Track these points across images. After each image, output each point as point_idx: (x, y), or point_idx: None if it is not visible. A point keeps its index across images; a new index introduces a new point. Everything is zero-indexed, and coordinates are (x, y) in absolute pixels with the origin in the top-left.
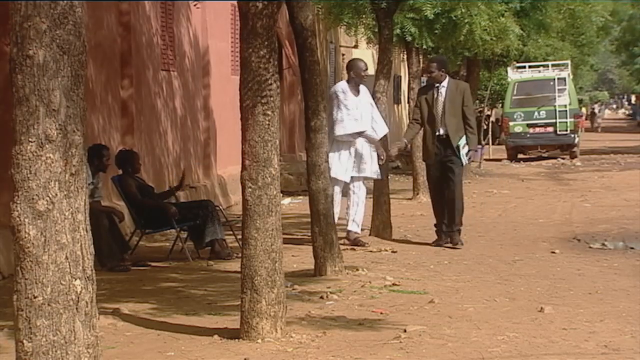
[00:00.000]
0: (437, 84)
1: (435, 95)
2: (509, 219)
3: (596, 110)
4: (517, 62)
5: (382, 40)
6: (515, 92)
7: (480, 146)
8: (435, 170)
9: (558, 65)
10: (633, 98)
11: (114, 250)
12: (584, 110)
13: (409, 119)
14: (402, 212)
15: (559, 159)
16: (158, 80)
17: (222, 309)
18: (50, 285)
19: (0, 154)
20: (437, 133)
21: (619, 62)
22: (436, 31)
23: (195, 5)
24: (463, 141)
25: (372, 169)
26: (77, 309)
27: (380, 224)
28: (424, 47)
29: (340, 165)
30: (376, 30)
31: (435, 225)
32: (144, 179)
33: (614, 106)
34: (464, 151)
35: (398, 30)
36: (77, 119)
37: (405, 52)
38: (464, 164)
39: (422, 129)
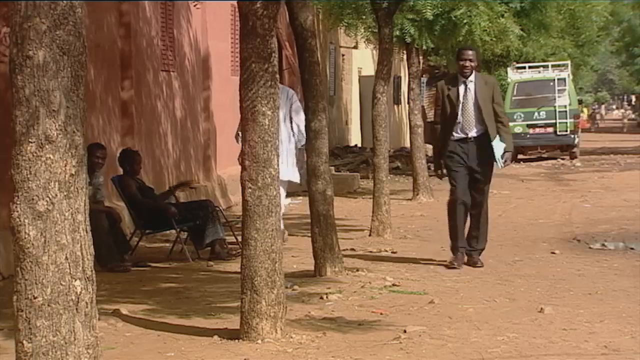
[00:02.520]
0: (464, 78)
1: (463, 92)
2: (508, 220)
3: (602, 112)
4: (517, 63)
5: (382, 40)
6: (515, 93)
7: None
8: (462, 178)
9: (558, 65)
10: (633, 98)
11: (113, 251)
12: (585, 111)
13: (426, 120)
14: (402, 213)
15: (558, 160)
16: (158, 81)
17: (222, 310)
18: (50, 286)
19: (0, 155)
20: (467, 135)
21: (619, 63)
22: (436, 32)
23: (195, 5)
24: (498, 142)
25: (290, 173)
26: (77, 309)
27: (380, 225)
28: (424, 47)
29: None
30: (376, 30)
31: (452, 244)
32: (144, 180)
33: (614, 107)
34: (498, 154)
35: (398, 32)
36: (77, 120)
37: (405, 52)
38: (501, 166)
39: (444, 130)
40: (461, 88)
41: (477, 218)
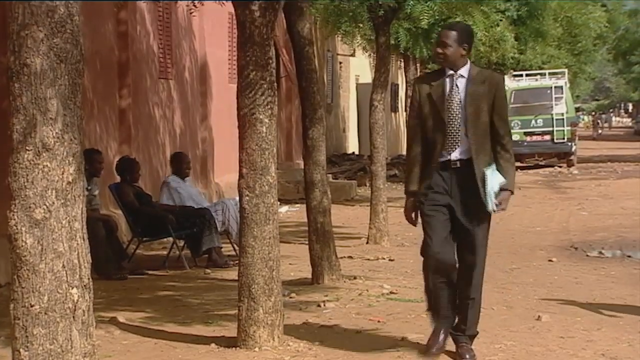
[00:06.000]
0: (452, 71)
1: (448, 89)
2: (506, 227)
3: (609, 119)
4: (514, 71)
5: (379, 48)
6: (512, 101)
7: None
8: (441, 228)
9: (555, 73)
10: (630, 106)
11: (111, 259)
12: (585, 118)
13: (407, 134)
14: (399, 220)
15: (556, 167)
16: (156, 89)
17: (220, 317)
18: (47, 294)
19: None
20: (445, 157)
21: (616, 71)
22: (432, 40)
23: (190, 11)
24: (493, 173)
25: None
26: (74, 317)
27: (377, 232)
28: (417, 56)
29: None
30: (372, 38)
31: (431, 316)
32: (142, 187)
33: (611, 114)
34: (491, 190)
35: (393, 41)
36: (75, 128)
37: (402, 60)
38: (492, 210)
39: (418, 151)
40: (447, 84)
41: (466, 291)
